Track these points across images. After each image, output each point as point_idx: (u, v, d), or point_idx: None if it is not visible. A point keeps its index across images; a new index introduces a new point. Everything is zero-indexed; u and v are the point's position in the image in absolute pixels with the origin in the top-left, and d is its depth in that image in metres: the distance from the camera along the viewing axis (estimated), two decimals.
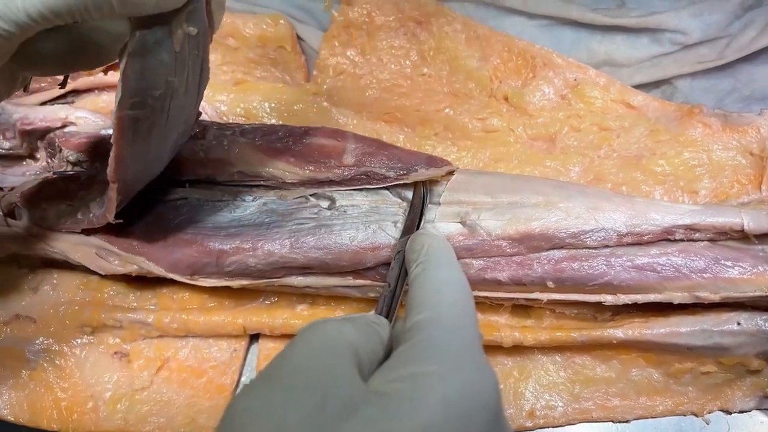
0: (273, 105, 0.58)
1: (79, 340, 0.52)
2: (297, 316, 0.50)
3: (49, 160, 0.56)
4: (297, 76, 0.60)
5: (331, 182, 0.48)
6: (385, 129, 0.56)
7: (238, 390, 0.29)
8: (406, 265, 0.38)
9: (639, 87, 0.54)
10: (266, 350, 0.51)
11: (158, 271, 0.48)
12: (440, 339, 0.29)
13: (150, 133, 0.40)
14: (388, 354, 0.32)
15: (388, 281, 0.39)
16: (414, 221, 0.44)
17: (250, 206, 0.49)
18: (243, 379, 0.51)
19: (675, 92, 0.54)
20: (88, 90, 0.61)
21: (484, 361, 0.29)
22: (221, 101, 0.59)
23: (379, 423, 0.25)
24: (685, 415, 0.46)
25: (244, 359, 0.52)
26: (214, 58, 0.61)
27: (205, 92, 0.59)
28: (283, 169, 0.49)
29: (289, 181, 0.49)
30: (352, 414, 0.25)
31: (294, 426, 0.24)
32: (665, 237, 0.43)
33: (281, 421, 0.25)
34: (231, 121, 0.59)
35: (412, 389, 0.26)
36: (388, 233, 0.45)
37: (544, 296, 0.44)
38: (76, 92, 0.61)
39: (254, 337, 0.52)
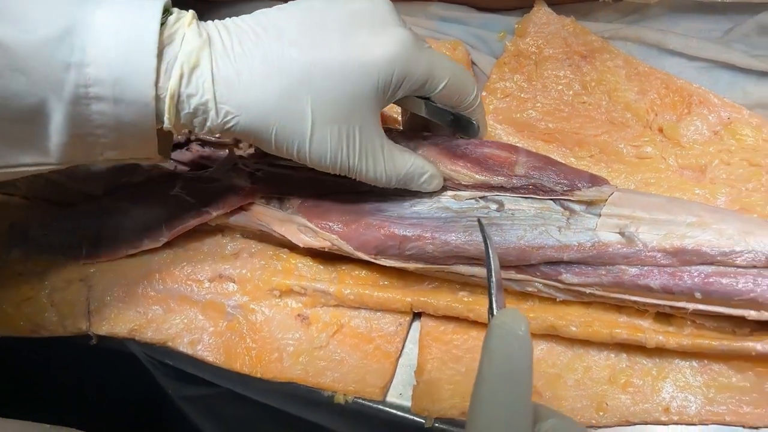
0: None
1: (268, 301, 0.62)
2: (458, 300, 0.57)
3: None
4: None
5: (501, 188, 0.56)
6: (543, 147, 0.63)
7: None
8: None
9: None
10: (427, 327, 0.59)
11: (347, 248, 0.57)
12: None
13: None
14: None
15: None
16: None
17: (427, 202, 0.57)
18: (405, 349, 0.59)
19: None
20: None
21: None
22: (398, 113, 0.68)
23: None
24: None
25: (407, 332, 0.60)
26: None
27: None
28: (460, 171, 0.56)
29: (464, 183, 0.56)
30: None
31: None
32: None
33: None
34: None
35: None
36: (552, 235, 0.52)
37: (691, 306, 0.49)
38: None
39: (416, 315, 0.60)
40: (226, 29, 0.47)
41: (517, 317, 0.38)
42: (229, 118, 0.47)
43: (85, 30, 0.42)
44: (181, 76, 0.45)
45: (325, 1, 0.49)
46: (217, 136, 0.68)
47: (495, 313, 0.42)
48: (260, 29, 0.47)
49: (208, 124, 0.47)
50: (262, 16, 0.49)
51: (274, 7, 0.49)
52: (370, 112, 0.50)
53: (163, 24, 0.44)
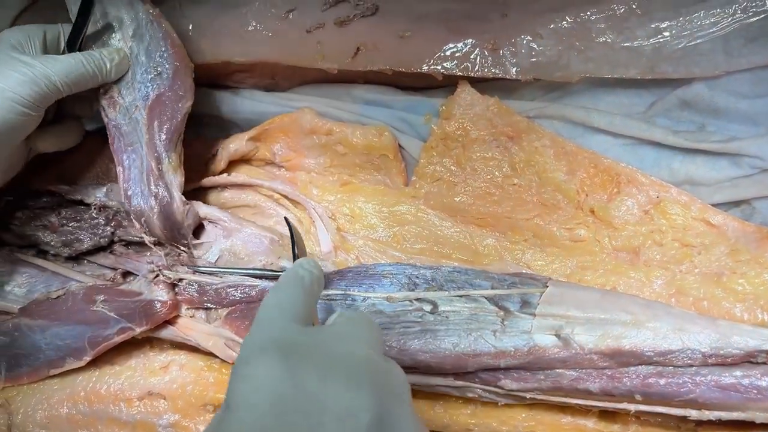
0: (375, 206, 0.65)
1: (202, 417, 0.59)
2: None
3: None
4: (397, 181, 0.66)
5: None
6: (477, 232, 0.62)
7: None
8: None
9: (719, 206, 0.57)
10: None
11: None
12: None
13: None
14: None
15: None
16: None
17: (360, 306, 0.55)
18: None
19: (754, 212, 0.57)
20: (213, 187, 0.69)
21: None
22: (329, 201, 0.66)
23: None
24: None
25: None
26: (323, 161, 0.68)
27: (315, 192, 0.67)
28: None
29: None
30: None
31: None
32: (748, 360, 0.46)
33: None
34: (339, 218, 0.65)
35: None
36: (488, 341, 0.50)
37: (632, 407, 0.48)
38: (202, 188, 0.69)
39: None
40: None
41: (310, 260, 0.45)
42: None
43: None
44: None
45: None
46: (140, 236, 0.65)
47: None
48: None
49: None
50: None
51: None
52: None
53: None
